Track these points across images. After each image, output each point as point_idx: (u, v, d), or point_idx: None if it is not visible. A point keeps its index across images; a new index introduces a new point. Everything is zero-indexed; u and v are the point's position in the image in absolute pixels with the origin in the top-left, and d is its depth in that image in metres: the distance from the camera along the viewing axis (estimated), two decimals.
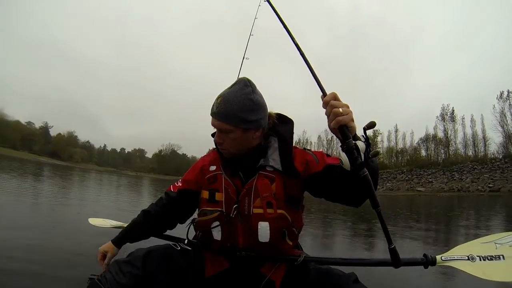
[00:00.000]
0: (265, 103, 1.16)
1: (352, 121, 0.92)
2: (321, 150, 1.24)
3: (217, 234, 1.15)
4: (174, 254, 1.16)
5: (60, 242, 2.98)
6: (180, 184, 1.28)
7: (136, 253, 1.12)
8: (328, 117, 0.95)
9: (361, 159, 0.90)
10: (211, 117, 1.13)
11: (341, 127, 0.91)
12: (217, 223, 1.14)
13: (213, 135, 1.20)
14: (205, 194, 1.19)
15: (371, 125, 0.91)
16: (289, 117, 1.25)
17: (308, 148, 1.26)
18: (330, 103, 0.92)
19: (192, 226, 1.25)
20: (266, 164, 1.15)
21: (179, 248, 1.20)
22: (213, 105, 1.13)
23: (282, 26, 1.23)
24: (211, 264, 1.17)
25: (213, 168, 1.22)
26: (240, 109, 1.08)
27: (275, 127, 1.21)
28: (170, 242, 1.24)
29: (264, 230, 1.08)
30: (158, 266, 1.10)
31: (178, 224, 1.34)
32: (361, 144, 0.90)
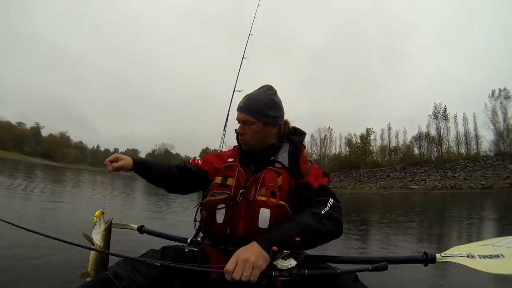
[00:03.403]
0: (283, 106, 1.37)
1: (260, 268, 0.93)
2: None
3: (220, 217, 1.22)
4: (184, 256, 1.18)
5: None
6: (200, 162, 1.44)
7: (151, 253, 1.14)
8: None
9: (289, 273, 0.93)
10: (237, 112, 1.33)
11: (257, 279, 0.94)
12: (222, 205, 1.22)
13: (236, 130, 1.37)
14: (218, 179, 1.31)
15: (296, 256, 0.98)
16: (303, 130, 1.43)
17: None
18: (232, 277, 0.93)
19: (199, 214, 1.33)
20: (276, 160, 1.30)
21: (187, 250, 1.23)
22: (239, 102, 1.33)
23: None
24: (216, 265, 1.18)
25: (230, 160, 1.38)
26: (262, 105, 1.28)
27: (290, 136, 1.38)
28: (178, 243, 1.30)
29: (264, 216, 1.16)
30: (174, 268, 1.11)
31: (180, 223, 1.37)
32: (281, 264, 0.95)
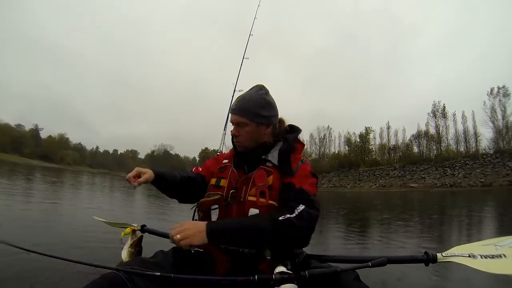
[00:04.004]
0: (276, 105, 1.36)
1: (191, 240, 1.01)
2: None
3: (214, 217, 1.25)
4: (192, 257, 1.19)
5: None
6: (200, 169, 1.48)
7: (163, 255, 1.16)
8: None
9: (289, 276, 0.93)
10: (230, 114, 1.34)
11: None
12: (216, 206, 1.25)
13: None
14: (213, 181, 1.35)
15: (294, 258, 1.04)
16: (298, 127, 1.41)
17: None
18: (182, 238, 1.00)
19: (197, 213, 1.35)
20: (267, 159, 1.28)
21: (193, 251, 1.22)
22: (232, 104, 1.34)
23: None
24: (220, 265, 1.20)
25: (225, 161, 1.41)
26: (254, 105, 1.28)
27: (285, 134, 1.36)
28: None
29: None
30: (184, 268, 1.12)
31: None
32: (279, 268, 0.97)
